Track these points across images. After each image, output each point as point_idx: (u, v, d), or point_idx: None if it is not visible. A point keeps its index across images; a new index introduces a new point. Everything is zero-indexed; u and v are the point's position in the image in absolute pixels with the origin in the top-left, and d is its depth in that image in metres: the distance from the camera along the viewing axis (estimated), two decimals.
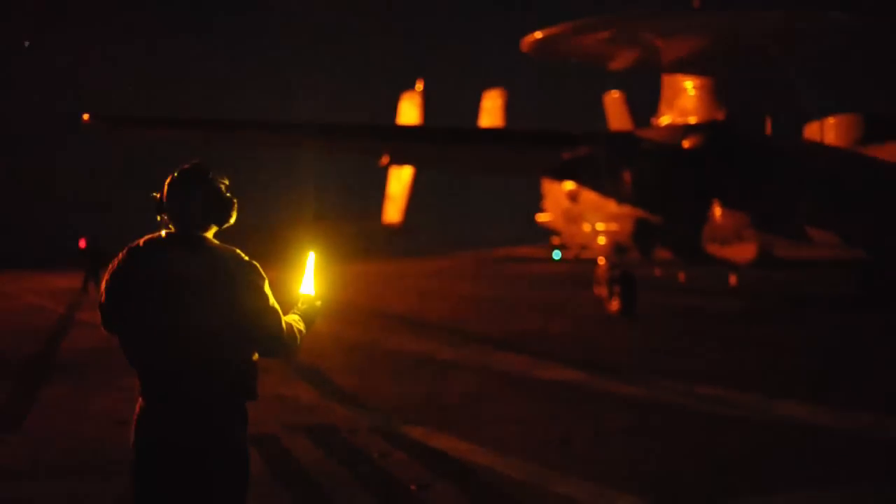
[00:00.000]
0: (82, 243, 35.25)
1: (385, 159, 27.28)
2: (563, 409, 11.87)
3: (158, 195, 4.56)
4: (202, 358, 4.39)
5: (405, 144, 27.29)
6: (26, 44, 68.65)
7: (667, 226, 23.35)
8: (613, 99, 32.35)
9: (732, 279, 25.78)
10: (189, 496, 4.39)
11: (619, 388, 13.30)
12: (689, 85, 25.17)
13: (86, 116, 24.48)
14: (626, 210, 24.00)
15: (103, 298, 4.53)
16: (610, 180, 23.58)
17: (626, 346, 18.28)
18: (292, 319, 4.68)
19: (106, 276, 4.55)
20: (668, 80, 25.99)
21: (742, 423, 10.93)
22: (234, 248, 4.51)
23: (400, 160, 32.34)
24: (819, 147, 22.42)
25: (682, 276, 29.38)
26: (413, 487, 8.30)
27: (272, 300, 4.50)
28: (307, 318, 4.80)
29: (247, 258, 4.48)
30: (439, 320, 23.56)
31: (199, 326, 4.37)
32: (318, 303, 4.89)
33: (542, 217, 32.41)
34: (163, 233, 4.55)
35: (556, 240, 32.97)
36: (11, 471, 8.99)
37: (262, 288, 4.46)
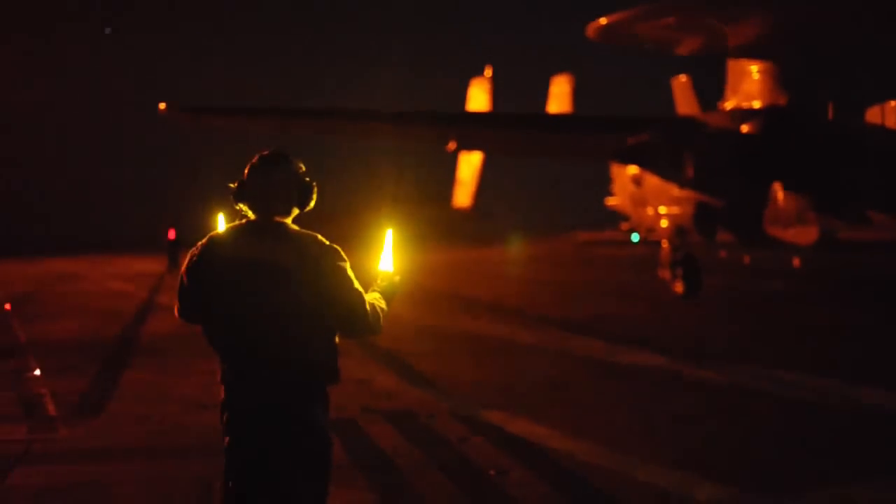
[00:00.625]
0: (171, 234, 35.74)
1: (452, 145, 27.50)
2: (644, 395, 11.75)
3: (236, 183, 4.58)
4: (285, 343, 4.42)
5: (471, 130, 27.60)
6: (107, 30, 69.72)
7: (727, 209, 23.44)
8: (681, 83, 32.25)
9: (796, 262, 25.54)
10: (276, 478, 4.43)
11: (698, 373, 13.13)
12: (753, 69, 25.14)
13: (162, 105, 24.91)
14: (688, 194, 24.19)
15: (186, 282, 4.57)
16: (671, 165, 23.95)
17: (704, 330, 18.05)
18: (373, 298, 4.69)
19: (186, 263, 4.58)
20: (732, 64, 25.97)
21: (823, 409, 10.73)
22: (314, 233, 4.53)
23: (467, 146, 32.46)
24: (880, 130, 22.11)
25: (746, 259, 30.13)
26: (492, 473, 8.24)
27: (356, 282, 4.51)
28: (387, 295, 4.81)
29: (328, 242, 4.50)
30: (525, 306, 23.49)
31: (283, 311, 4.40)
32: (397, 278, 4.91)
33: (611, 201, 32.69)
34: (243, 221, 4.58)
35: (624, 224, 33.13)
36: (94, 453, 9.09)
37: (345, 271, 4.48)
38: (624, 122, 25.34)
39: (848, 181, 22.12)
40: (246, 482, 4.44)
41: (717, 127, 23.26)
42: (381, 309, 4.66)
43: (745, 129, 22.61)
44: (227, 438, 4.49)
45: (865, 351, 15.23)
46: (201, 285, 4.50)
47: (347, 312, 4.48)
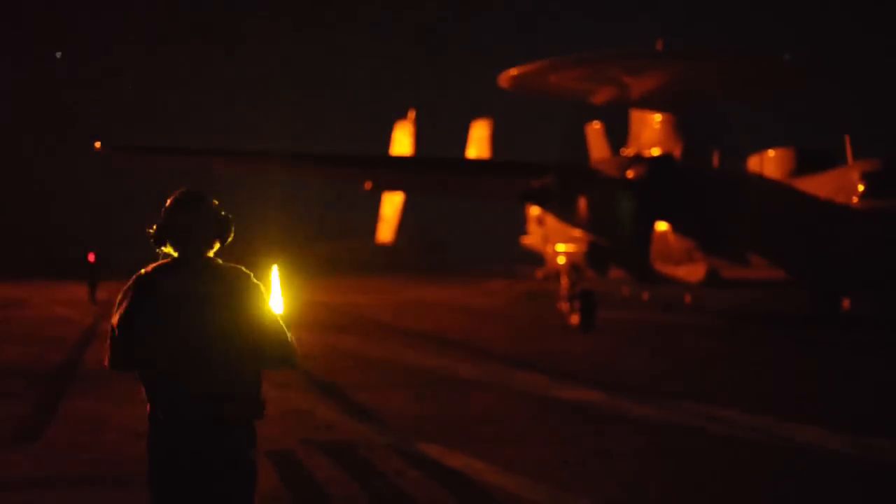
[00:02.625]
0: (91, 257, 35.73)
1: (368, 185, 29.66)
2: (579, 430, 11.91)
3: (154, 228, 4.69)
4: (217, 375, 4.54)
5: (386, 173, 30.03)
6: (58, 55, 69.30)
7: (615, 249, 25.34)
8: (594, 129, 33.81)
9: (686, 297, 28.39)
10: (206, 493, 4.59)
11: (635, 408, 13.31)
12: (650, 119, 27.92)
13: (97, 144, 26.67)
14: (581, 234, 26.17)
15: (117, 332, 4.62)
16: (567, 207, 25.83)
17: (646, 366, 18.27)
18: None
19: (118, 311, 4.63)
20: (634, 114, 28.95)
21: (753, 446, 10.96)
22: (235, 264, 4.74)
23: (383, 186, 34.35)
24: (756, 177, 24.40)
25: (645, 295, 33.42)
26: None
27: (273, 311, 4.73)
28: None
29: (249, 272, 4.71)
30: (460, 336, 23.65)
31: (215, 341, 4.53)
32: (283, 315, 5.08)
33: (526, 239, 34.76)
34: (167, 260, 4.70)
35: (539, 272, 35.09)
36: (33, 481, 9.11)
37: (266, 299, 4.69)
38: (528, 167, 27.54)
39: (726, 224, 24.18)
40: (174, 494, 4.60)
41: (606, 173, 24.96)
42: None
43: (630, 175, 24.29)
44: (150, 467, 4.65)
45: (791, 384, 15.56)
46: (132, 328, 4.56)
47: (274, 336, 4.66)
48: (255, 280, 4.70)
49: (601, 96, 28.06)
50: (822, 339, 22.92)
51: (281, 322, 4.72)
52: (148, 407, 4.69)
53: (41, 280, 47.31)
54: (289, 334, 4.73)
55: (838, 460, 10.29)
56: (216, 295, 4.58)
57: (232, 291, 4.61)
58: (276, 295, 5.15)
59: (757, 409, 13.25)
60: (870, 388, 15.84)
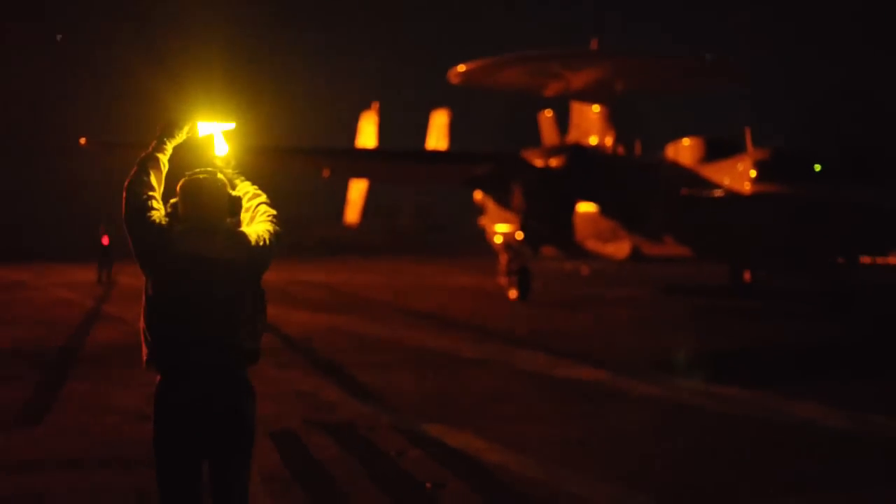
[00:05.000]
0: (105, 240, 35.62)
1: (326, 173, 31.63)
2: (582, 409, 11.92)
3: (173, 202, 5.15)
4: (230, 327, 5.03)
5: (345, 163, 32.72)
6: (59, 37, 68.98)
7: (545, 229, 27.56)
8: (546, 118, 35.58)
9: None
10: (201, 455, 5.06)
11: (639, 387, 13.32)
12: (586, 110, 31.16)
13: (82, 140, 27.40)
14: (515, 215, 28.39)
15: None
16: (503, 191, 28.45)
17: (645, 343, 18.28)
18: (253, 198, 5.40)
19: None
20: (574, 105, 32.08)
21: (758, 423, 10.98)
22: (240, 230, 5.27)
23: (343, 174, 37.44)
24: (665, 164, 27.08)
25: (584, 270, 37.55)
26: (428, 486, 8.38)
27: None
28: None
29: (249, 233, 5.26)
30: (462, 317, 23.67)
31: (229, 299, 5.04)
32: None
33: (481, 220, 35.86)
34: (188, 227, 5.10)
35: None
36: (34, 463, 9.12)
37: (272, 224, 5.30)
38: (471, 156, 30.07)
39: (640, 206, 26.87)
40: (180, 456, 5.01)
41: (533, 162, 27.35)
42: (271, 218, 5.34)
43: (553, 163, 26.80)
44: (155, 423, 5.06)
45: (796, 361, 15.63)
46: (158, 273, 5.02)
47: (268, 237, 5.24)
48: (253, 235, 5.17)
49: (548, 89, 31.61)
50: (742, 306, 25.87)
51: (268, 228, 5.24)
52: (157, 378, 5.08)
53: (44, 262, 47.26)
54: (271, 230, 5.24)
55: (841, 436, 10.33)
56: (229, 256, 5.03)
57: (243, 253, 5.08)
58: (220, 143, 5.51)
59: (762, 387, 13.27)
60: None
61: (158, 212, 5.02)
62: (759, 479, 8.70)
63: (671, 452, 9.70)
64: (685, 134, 27.32)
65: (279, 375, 13.85)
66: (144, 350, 5.04)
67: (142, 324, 5.05)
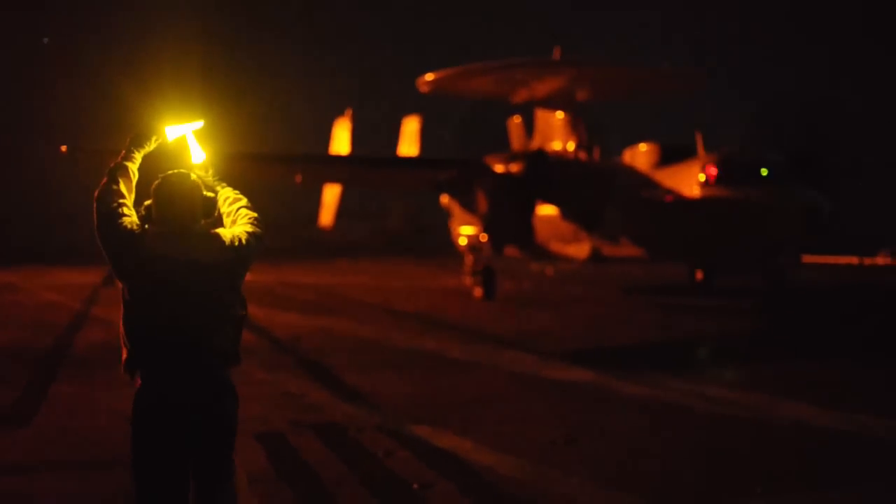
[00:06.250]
0: None
1: (298, 178, 31.94)
2: (569, 410, 11.94)
3: (143, 209, 5.20)
4: (196, 327, 5.05)
5: (311, 167, 33.00)
6: (45, 40, 68.79)
7: (507, 232, 28.40)
8: (515, 123, 36.27)
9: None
10: (183, 454, 5.11)
11: (626, 388, 13.35)
12: (550, 117, 32.31)
13: (63, 148, 27.49)
14: (478, 218, 29.19)
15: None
16: (467, 195, 29.44)
17: (635, 346, 18.33)
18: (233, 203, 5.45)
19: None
20: (538, 111, 33.18)
21: (746, 423, 11.01)
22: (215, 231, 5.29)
23: (314, 180, 37.88)
24: (619, 168, 28.28)
25: (549, 270, 37.97)
26: (415, 486, 8.39)
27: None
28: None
29: (224, 234, 5.28)
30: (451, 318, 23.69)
31: (206, 301, 5.07)
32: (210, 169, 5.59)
33: (452, 223, 36.54)
34: (161, 230, 5.12)
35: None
36: (21, 465, 9.11)
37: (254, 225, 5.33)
38: (436, 161, 31.29)
39: (596, 209, 27.97)
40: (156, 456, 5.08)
41: (495, 166, 27.99)
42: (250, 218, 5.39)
43: (512, 169, 27.47)
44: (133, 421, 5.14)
45: (793, 365, 15.66)
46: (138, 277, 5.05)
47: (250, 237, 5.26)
48: (229, 236, 5.19)
49: (514, 97, 32.80)
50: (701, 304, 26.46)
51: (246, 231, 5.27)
52: (138, 382, 5.10)
53: (32, 266, 47.13)
54: (250, 230, 5.27)
55: (828, 435, 10.37)
56: (204, 259, 5.05)
57: (218, 254, 5.10)
58: (195, 150, 5.62)
59: (750, 387, 13.30)
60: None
61: (130, 217, 5.04)
62: (747, 479, 8.73)
63: (659, 452, 9.73)
64: (644, 139, 28.39)
65: (266, 377, 13.84)
66: (124, 353, 5.06)
67: (121, 328, 5.06)
